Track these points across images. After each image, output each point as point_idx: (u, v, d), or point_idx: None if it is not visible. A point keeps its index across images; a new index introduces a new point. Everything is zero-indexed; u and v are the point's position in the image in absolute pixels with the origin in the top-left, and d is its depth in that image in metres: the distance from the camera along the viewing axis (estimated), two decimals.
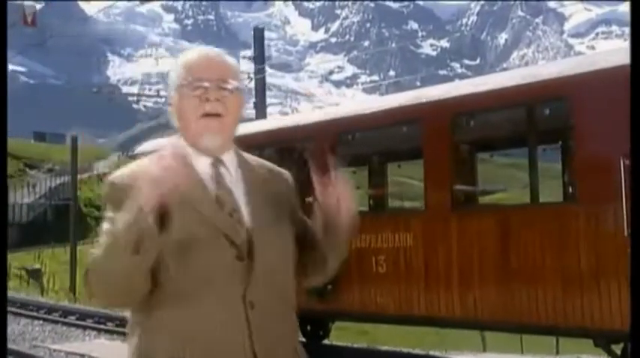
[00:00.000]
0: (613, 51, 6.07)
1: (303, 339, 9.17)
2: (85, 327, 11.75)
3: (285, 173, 1.77)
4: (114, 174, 1.63)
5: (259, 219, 1.62)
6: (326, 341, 9.30)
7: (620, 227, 5.25)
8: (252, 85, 13.96)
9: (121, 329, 11.19)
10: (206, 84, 1.61)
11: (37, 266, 29.66)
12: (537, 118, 6.01)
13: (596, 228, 5.47)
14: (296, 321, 1.68)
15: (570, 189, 5.97)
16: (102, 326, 11.74)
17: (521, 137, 6.43)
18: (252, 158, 1.72)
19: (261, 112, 13.41)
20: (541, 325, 5.96)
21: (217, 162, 1.63)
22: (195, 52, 1.70)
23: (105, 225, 1.56)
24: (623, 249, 5.27)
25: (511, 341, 12.91)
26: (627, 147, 5.20)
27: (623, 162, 5.25)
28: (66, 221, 32.29)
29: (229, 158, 1.67)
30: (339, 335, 10.85)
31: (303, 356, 1.69)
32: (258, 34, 14.48)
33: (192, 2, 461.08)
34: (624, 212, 5.22)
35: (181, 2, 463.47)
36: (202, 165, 1.62)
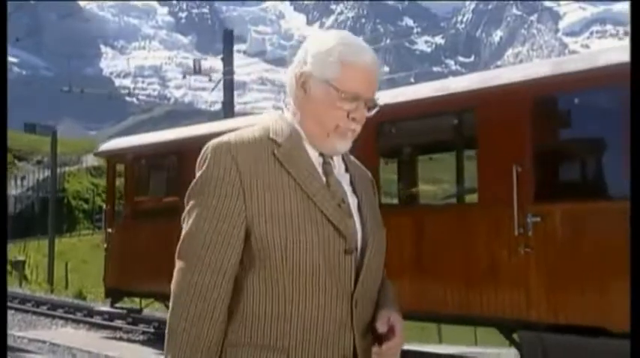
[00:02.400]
0: (519, 67, 6.66)
1: None
2: (54, 316, 12.28)
3: (371, 175, 1.73)
4: (218, 139, 1.50)
5: (364, 214, 1.56)
6: None
7: (511, 227, 5.84)
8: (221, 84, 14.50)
9: (87, 319, 11.74)
10: (358, 104, 1.52)
11: (21, 258, 30.06)
12: (446, 128, 6.60)
13: (492, 227, 6.05)
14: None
15: (470, 192, 6.54)
16: (70, 316, 12.27)
17: (436, 144, 7.02)
18: (350, 155, 1.66)
19: (229, 112, 13.95)
20: (453, 315, 6.54)
21: (328, 153, 1.57)
22: (362, 54, 1.53)
23: (197, 201, 1.47)
24: (515, 246, 5.87)
25: (466, 333, 13.54)
26: (520, 156, 5.82)
27: (516, 170, 5.84)
28: (53, 213, 32.64)
29: None
30: None
31: None
32: (228, 36, 15.01)
33: None
34: (515, 214, 5.81)
35: None
36: (312, 149, 1.55)
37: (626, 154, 5.30)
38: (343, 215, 1.49)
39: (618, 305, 5.24)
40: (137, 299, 10.81)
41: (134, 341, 9.82)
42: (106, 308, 10.23)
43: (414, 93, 6.80)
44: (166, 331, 1.47)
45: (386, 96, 7.18)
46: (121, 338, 10.09)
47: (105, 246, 10.01)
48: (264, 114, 9.03)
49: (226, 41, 14.86)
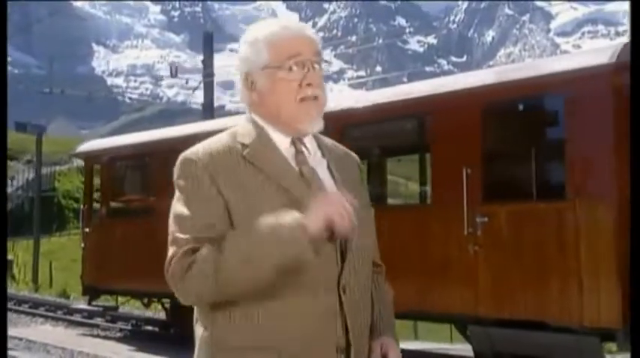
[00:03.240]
0: (472, 74, 6.95)
1: None
2: (34, 315, 12.49)
3: (354, 155, 1.70)
4: (187, 152, 1.51)
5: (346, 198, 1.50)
6: None
7: (461, 226, 6.12)
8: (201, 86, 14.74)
9: (67, 317, 11.97)
10: (303, 66, 1.50)
11: (10, 257, 30.14)
12: (406, 132, 6.89)
13: (444, 227, 6.33)
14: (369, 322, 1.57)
15: (426, 193, 6.83)
16: (50, 314, 12.49)
17: (399, 147, 7.30)
18: (327, 139, 1.64)
19: (209, 113, 14.19)
20: (411, 311, 6.82)
21: (297, 141, 1.55)
22: (277, 25, 1.54)
23: (179, 208, 1.47)
24: (465, 245, 6.15)
25: (441, 330, 13.81)
26: (470, 160, 6.09)
27: (466, 173, 6.13)
28: (43, 212, 32.67)
29: (308, 137, 1.58)
30: None
31: None
32: (208, 39, 15.23)
33: None
34: (464, 214, 6.09)
35: None
36: (282, 142, 1.54)
37: (566, 157, 5.60)
38: None
39: (556, 301, 5.54)
40: (116, 297, 11.03)
41: (110, 338, 10.06)
42: (84, 305, 10.46)
43: (376, 98, 7.08)
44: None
45: (350, 100, 7.47)
46: (97, 335, 10.32)
47: (82, 245, 10.24)
48: (239, 116, 9.26)
49: (206, 44, 15.09)
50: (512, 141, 6.29)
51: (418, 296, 6.55)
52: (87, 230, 10.09)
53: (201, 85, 15.78)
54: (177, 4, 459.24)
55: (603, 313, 5.26)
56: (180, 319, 9.51)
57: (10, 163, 54.78)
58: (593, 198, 5.38)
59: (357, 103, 7.09)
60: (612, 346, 6.50)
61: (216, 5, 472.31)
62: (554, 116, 5.72)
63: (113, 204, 9.98)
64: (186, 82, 13.60)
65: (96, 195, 10.65)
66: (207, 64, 14.61)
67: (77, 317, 11.78)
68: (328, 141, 1.63)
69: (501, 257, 5.87)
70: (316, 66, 1.52)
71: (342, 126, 7.28)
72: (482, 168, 6.05)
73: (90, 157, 10.37)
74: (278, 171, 1.49)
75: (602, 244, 5.30)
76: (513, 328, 5.81)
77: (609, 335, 5.31)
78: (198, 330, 1.50)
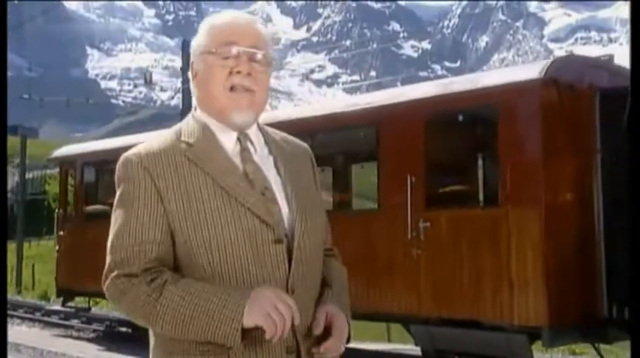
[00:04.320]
0: (418, 86, 7.30)
1: None
2: (12, 316, 12.74)
3: (307, 147, 1.66)
4: (129, 152, 1.51)
5: (292, 198, 1.49)
6: None
7: (405, 230, 6.45)
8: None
9: (44, 318, 12.22)
10: (235, 52, 1.48)
11: None
12: (360, 140, 7.24)
13: (390, 231, 6.66)
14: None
15: (378, 198, 7.16)
16: (28, 316, 12.74)
17: (356, 155, 7.65)
18: (276, 132, 1.61)
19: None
20: (361, 312, 7.13)
21: (243, 137, 1.52)
22: (224, 15, 1.55)
23: (119, 212, 1.46)
24: (409, 248, 6.48)
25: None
26: (414, 168, 6.42)
27: (410, 180, 6.46)
28: (32, 216, 32.70)
29: (254, 132, 1.55)
30: None
31: None
32: (186, 46, 15.53)
33: None
34: (408, 219, 6.42)
35: None
36: (226, 140, 1.50)
37: (500, 166, 5.94)
38: (267, 203, 1.45)
39: (489, 301, 5.87)
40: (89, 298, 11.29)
41: (83, 339, 10.33)
42: (58, 307, 10.73)
43: (332, 107, 7.44)
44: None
45: (309, 110, 7.82)
46: (71, 336, 10.59)
47: (57, 247, 10.52)
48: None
49: (184, 51, 15.40)
50: (453, 151, 6.63)
51: (366, 297, 6.87)
52: (61, 233, 10.38)
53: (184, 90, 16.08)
54: (171, 7, 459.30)
55: (531, 313, 5.60)
56: None
57: None
58: (524, 205, 5.71)
59: (314, 112, 7.45)
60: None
61: (210, 9, 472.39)
62: (490, 127, 6.05)
63: (86, 208, 10.26)
64: (161, 89, 13.92)
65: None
66: (185, 69, 14.94)
67: (54, 319, 12.04)
68: (278, 134, 1.60)
69: (441, 260, 6.20)
70: (256, 58, 1.49)
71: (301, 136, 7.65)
72: (425, 176, 6.38)
73: (64, 162, 10.67)
74: (221, 171, 1.45)
75: (530, 248, 5.63)
76: (452, 327, 6.13)
77: (537, 333, 5.63)
78: (150, 335, 1.51)
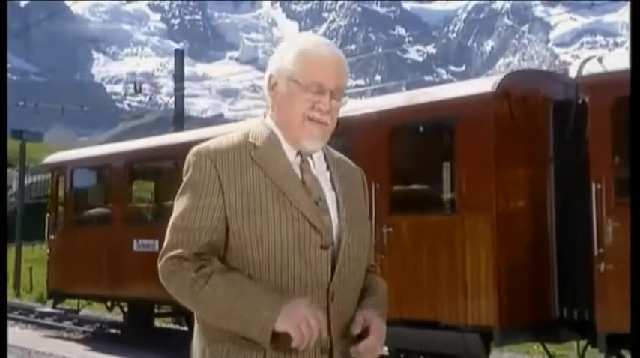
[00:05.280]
0: (385, 97, 7.63)
1: (186, 329, 10.66)
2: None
3: (362, 172, 1.80)
4: (199, 145, 1.62)
5: (343, 211, 1.61)
6: None
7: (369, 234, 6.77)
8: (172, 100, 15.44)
9: (37, 320, 12.54)
10: (326, 94, 1.60)
11: None
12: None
13: None
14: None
15: None
16: (22, 317, 13.08)
17: None
18: (335, 152, 1.73)
19: (178, 124, 14.86)
20: None
21: (304, 152, 1.64)
22: (315, 44, 1.63)
23: (182, 197, 1.58)
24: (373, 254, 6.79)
25: None
26: (379, 175, 6.74)
27: (375, 187, 6.77)
28: (36, 219, 33.05)
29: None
30: None
31: None
32: (179, 55, 15.91)
33: (179, 2, 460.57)
34: (373, 224, 6.74)
35: (168, 2, 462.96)
36: (289, 150, 1.62)
37: (456, 175, 6.26)
38: (319, 212, 1.57)
39: (446, 303, 6.19)
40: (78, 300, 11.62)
41: (72, 340, 10.66)
42: (49, 309, 11.08)
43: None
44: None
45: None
46: (61, 337, 10.92)
47: (47, 251, 10.88)
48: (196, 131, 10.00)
49: (177, 60, 15.77)
50: (415, 160, 6.95)
51: None
52: (52, 237, 10.73)
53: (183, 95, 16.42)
54: (177, 12, 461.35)
55: (483, 313, 5.90)
56: (136, 321, 10.14)
57: None
58: (477, 212, 6.02)
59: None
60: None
61: (215, 14, 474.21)
62: (449, 138, 6.37)
63: (75, 213, 10.62)
64: (150, 98, 14.24)
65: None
66: (178, 78, 15.31)
67: (48, 321, 12.38)
68: (336, 154, 1.73)
69: (403, 264, 6.52)
70: (336, 96, 1.61)
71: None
72: (389, 184, 6.70)
73: (55, 168, 11.03)
74: (280, 175, 1.57)
75: (483, 253, 5.94)
76: (413, 327, 6.44)
77: (490, 333, 5.93)
78: (195, 319, 1.62)
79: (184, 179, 1.60)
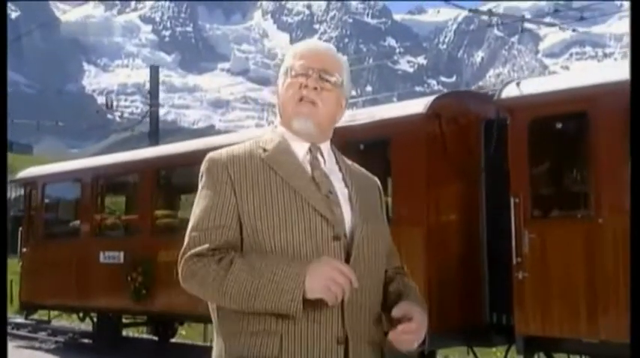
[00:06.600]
0: None
1: (155, 338, 11.00)
2: None
3: (377, 180, 1.85)
4: (213, 152, 1.70)
5: (356, 206, 1.66)
6: (173, 340, 11.10)
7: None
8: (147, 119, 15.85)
9: (13, 332, 12.80)
10: (309, 72, 1.68)
11: None
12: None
13: None
14: (380, 314, 1.66)
15: None
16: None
17: None
18: (348, 161, 1.81)
19: (154, 139, 15.23)
20: None
21: (314, 149, 1.70)
22: (308, 42, 1.78)
23: (198, 201, 1.66)
24: None
25: None
26: None
27: None
28: None
29: (326, 149, 1.74)
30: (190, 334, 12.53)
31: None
32: (154, 71, 16.30)
33: (170, 14, 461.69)
34: None
35: (159, 13, 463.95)
36: (299, 149, 1.69)
37: (393, 190, 6.66)
38: (330, 204, 1.62)
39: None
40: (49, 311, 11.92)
41: (43, 350, 10.96)
42: (21, 320, 11.41)
43: (252, 135, 8.26)
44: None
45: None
46: (33, 347, 11.22)
47: (20, 263, 11.21)
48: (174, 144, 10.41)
49: (152, 77, 16.16)
50: None
51: None
52: (24, 250, 11.07)
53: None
54: (168, 24, 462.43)
55: None
56: (105, 331, 10.48)
57: None
58: (410, 224, 6.44)
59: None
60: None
61: (207, 25, 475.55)
62: (385, 156, 6.80)
63: (45, 227, 10.97)
64: (109, 107, 14.71)
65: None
66: (154, 94, 15.69)
67: (23, 332, 12.68)
68: (348, 161, 1.80)
69: None
70: (325, 77, 1.69)
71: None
72: None
73: (28, 183, 11.39)
74: (291, 173, 1.64)
75: (415, 262, 6.35)
76: None
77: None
78: (213, 319, 1.68)
79: (199, 185, 1.68)
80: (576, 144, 5.94)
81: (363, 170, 1.82)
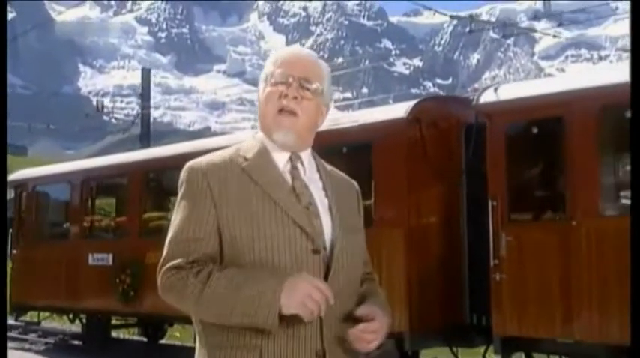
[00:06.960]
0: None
1: (145, 339, 11.08)
2: None
3: (356, 185, 1.84)
4: (192, 161, 1.67)
5: (336, 217, 1.64)
6: (163, 341, 11.19)
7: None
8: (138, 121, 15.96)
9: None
10: (288, 79, 1.65)
11: None
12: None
13: None
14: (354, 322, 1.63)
15: None
16: None
17: None
18: (328, 165, 1.79)
19: (145, 141, 15.32)
20: None
21: (295, 158, 1.68)
22: (288, 49, 1.75)
23: (177, 211, 1.63)
24: None
25: None
26: None
27: None
28: None
29: (306, 157, 1.71)
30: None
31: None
32: (146, 74, 16.40)
33: (166, 15, 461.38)
34: None
35: (155, 15, 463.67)
36: (279, 158, 1.67)
37: (374, 193, 6.77)
38: (310, 216, 1.60)
39: None
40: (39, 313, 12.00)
41: (33, 351, 11.04)
42: (11, 321, 11.48)
43: (237, 139, 8.35)
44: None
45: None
46: (23, 348, 11.30)
47: (11, 265, 11.29)
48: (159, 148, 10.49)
49: (144, 79, 16.25)
50: None
51: None
52: (15, 252, 11.15)
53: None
54: (164, 25, 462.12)
55: (396, 319, 6.40)
56: (94, 332, 10.57)
57: None
58: (391, 226, 6.55)
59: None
60: None
61: (203, 27, 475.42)
62: (367, 159, 6.91)
63: (37, 228, 11.05)
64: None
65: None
66: (146, 97, 15.80)
67: (14, 333, 12.75)
68: (329, 167, 1.78)
69: None
70: (305, 85, 1.66)
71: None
72: None
73: (18, 186, 11.47)
74: (271, 184, 1.61)
75: (396, 262, 6.46)
76: None
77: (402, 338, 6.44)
78: (196, 332, 1.68)
79: (179, 194, 1.66)
80: (552, 149, 6.06)
81: (342, 174, 1.82)
